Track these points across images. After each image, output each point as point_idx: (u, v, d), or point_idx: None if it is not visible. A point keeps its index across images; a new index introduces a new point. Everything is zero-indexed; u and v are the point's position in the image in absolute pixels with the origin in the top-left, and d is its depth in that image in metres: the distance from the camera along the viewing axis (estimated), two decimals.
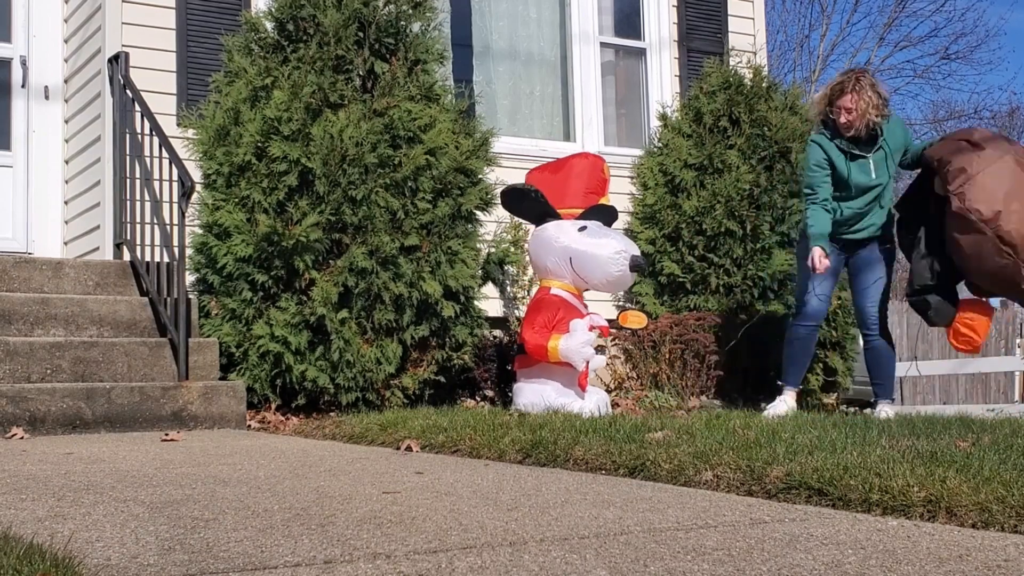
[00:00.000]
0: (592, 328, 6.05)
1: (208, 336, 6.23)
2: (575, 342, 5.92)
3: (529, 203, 6.31)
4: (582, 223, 6.22)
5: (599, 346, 6.77)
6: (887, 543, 2.73)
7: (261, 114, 6.15)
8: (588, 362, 5.99)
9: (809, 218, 6.03)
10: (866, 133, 6.01)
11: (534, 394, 5.99)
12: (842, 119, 5.97)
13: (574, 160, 6.59)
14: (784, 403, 6.15)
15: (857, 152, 6.03)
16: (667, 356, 7.14)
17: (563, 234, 6.20)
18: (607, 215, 6.41)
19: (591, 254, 6.11)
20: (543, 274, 6.35)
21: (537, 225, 6.37)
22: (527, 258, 7.88)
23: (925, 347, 19.96)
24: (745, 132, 7.91)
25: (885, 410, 6.33)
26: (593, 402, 6.03)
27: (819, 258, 5.97)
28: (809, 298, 6.17)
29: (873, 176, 6.05)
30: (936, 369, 18.12)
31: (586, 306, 6.34)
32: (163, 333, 6.26)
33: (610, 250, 6.09)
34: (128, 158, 6.78)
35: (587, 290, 6.43)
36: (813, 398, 7.66)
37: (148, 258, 6.50)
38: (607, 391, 6.92)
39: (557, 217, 6.29)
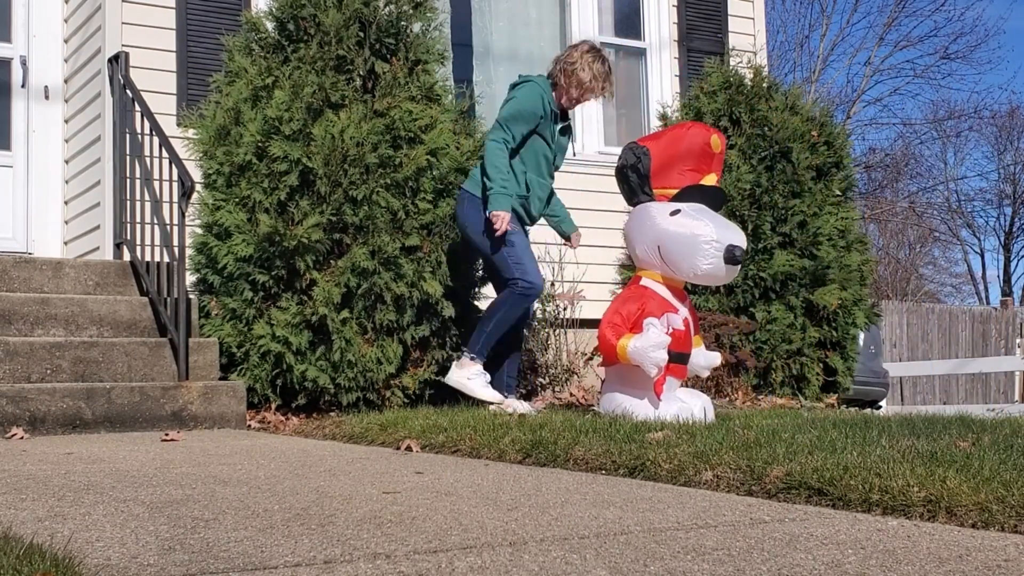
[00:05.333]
0: (670, 329, 5.36)
1: (208, 336, 6.23)
2: (645, 344, 5.21)
3: (634, 168, 5.55)
4: (676, 205, 5.43)
5: (712, 344, 6.37)
6: (887, 543, 2.73)
7: (262, 114, 6.15)
8: (659, 367, 5.25)
9: (501, 166, 5.77)
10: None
11: (620, 398, 5.44)
12: (589, 99, 6.04)
13: (673, 131, 5.72)
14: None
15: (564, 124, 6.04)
16: None
17: (655, 217, 5.45)
18: (712, 197, 5.52)
19: (679, 241, 5.34)
20: (636, 262, 5.65)
21: (632, 204, 5.69)
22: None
23: (925, 347, 19.96)
24: (745, 132, 7.91)
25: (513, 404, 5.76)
26: (674, 409, 5.28)
27: (507, 219, 5.72)
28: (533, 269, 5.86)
29: (562, 149, 6.09)
30: (936, 369, 18.13)
31: (684, 300, 5.58)
32: (163, 333, 6.26)
33: (702, 238, 5.30)
34: (128, 158, 6.79)
35: (684, 281, 5.61)
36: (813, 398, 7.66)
37: (148, 258, 6.51)
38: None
39: (651, 197, 5.55)
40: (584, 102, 6.13)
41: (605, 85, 6.03)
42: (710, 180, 5.56)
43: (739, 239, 5.36)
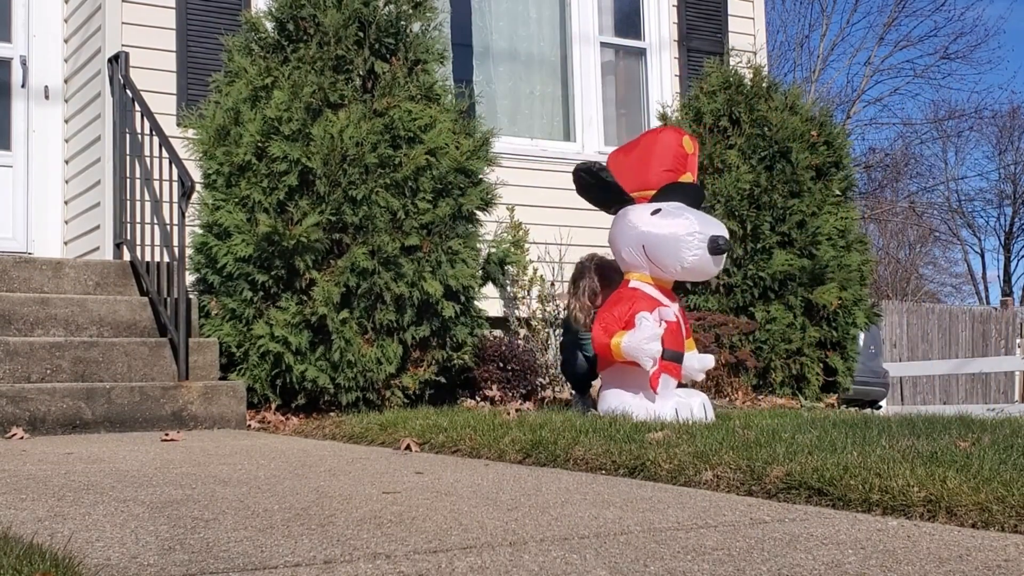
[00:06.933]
0: (662, 322, 5.38)
1: (208, 336, 6.23)
2: (639, 338, 5.25)
3: (599, 184, 5.66)
4: (656, 205, 5.51)
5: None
6: (887, 543, 2.73)
7: (261, 114, 6.15)
8: (654, 359, 5.30)
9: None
10: None
11: (616, 399, 5.51)
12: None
13: (645, 138, 5.86)
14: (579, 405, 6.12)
15: None
16: None
17: (636, 219, 5.53)
18: (690, 195, 5.59)
19: (662, 238, 5.42)
20: (623, 266, 5.72)
21: (611, 212, 5.76)
22: (527, 258, 7.88)
23: (925, 347, 19.96)
24: (745, 132, 7.91)
25: None
26: (671, 406, 5.34)
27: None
28: (573, 361, 6.12)
29: None
30: (936, 369, 18.13)
31: (674, 299, 5.66)
32: (163, 333, 6.26)
33: (683, 231, 5.37)
34: (128, 158, 6.78)
35: (673, 281, 5.70)
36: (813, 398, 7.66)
37: (148, 258, 6.51)
38: None
39: (630, 201, 5.64)
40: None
41: (588, 308, 5.99)
42: (686, 180, 5.64)
43: (721, 230, 5.45)
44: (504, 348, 6.94)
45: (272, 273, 6.07)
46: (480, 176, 6.50)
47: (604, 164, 5.72)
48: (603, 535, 2.81)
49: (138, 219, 6.64)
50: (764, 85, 8.14)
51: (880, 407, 12.05)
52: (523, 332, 7.70)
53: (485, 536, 2.79)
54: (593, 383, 6.17)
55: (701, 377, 5.85)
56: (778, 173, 7.80)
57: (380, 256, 6.06)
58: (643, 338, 5.25)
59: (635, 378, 5.43)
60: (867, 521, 3.04)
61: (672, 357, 5.46)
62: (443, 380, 6.44)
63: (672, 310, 5.53)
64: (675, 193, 5.56)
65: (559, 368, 6.89)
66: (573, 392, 6.25)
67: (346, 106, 6.21)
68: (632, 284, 5.57)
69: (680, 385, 5.65)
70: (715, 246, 5.37)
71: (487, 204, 6.53)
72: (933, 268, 37.58)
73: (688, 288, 7.75)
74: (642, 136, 5.98)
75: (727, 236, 5.46)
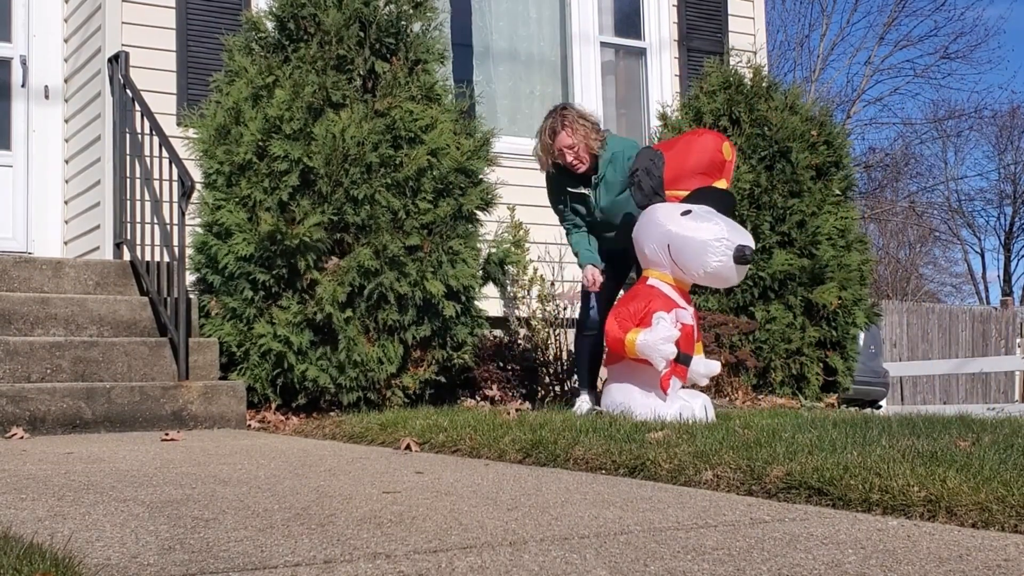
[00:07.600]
0: (679, 324, 5.40)
1: (208, 336, 6.23)
2: (655, 337, 5.27)
3: (649, 176, 5.64)
4: (687, 207, 5.52)
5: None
6: (887, 543, 2.73)
7: (262, 113, 6.15)
8: (668, 360, 5.33)
9: (574, 244, 6.01)
10: (592, 163, 5.93)
11: (621, 394, 5.52)
12: (569, 159, 5.89)
13: (685, 137, 5.85)
14: (584, 404, 6.00)
15: (580, 191, 5.97)
16: None
17: (665, 218, 5.54)
18: (722, 201, 5.61)
19: (689, 240, 5.43)
20: (644, 262, 5.72)
21: (643, 208, 5.73)
22: (528, 258, 7.88)
23: (925, 347, 19.96)
24: (745, 132, 7.91)
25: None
26: (676, 408, 5.34)
27: (592, 275, 5.89)
28: (587, 311, 6.08)
29: (597, 203, 5.99)
30: (936, 369, 18.12)
31: (690, 302, 5.70)
32: (163, 333, 6.26)
33: (710, 236, 5.40)
34: (128, 158, 6.79)
35: (691, 283, 5.72)
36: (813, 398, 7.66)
37: (148, 258, 6.51)
38: None
39: (662, 199, 5.63)
40: (565, 161, 5.95)
41: (549, 147, 5.96)
42: (722, 184, 5.65)
43: (748, 240, 5.46)
44: (504, 348, 6.94)
45: (274, 272, 6.07)
46: (480, 176, 6.50)
47: (662, 155, 5.66)
48: (603, 535, 2.81)
49: (138, 219, 6.64)
50: (764, 85, 8.14)
51: (880, 407, 12.05)
52: (523, 332, 7.69)
53: (485, 536, 2.79)
54: (600, 377, 6.15)
55: (705, 382, 5.87)
56: (778, 173, 7.80)
57: (385, 256, 6.06)
58: (659, 338, 5.27)
59: (644, 376, 5.43)
60: (867, 521, 3.04)
61: (682, 360, 5.48)
62: (443, 380, 6.44)
63: (688, 313, 5.55)
64: (707, 197, 5.56)
65: (559, 367, 6.87)
66: (576, 386, 6.20)
67: (347, 106, 6.21)
68: (650, 282, 5.58)
69: (682, 386, 5.66)
70: (740, 255, 5.39)
71: (487, 204, 6.53)
72: (933, 268, 37.60)
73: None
74: (682, 135, 5.96)
75: (753, 247, 5.48)
